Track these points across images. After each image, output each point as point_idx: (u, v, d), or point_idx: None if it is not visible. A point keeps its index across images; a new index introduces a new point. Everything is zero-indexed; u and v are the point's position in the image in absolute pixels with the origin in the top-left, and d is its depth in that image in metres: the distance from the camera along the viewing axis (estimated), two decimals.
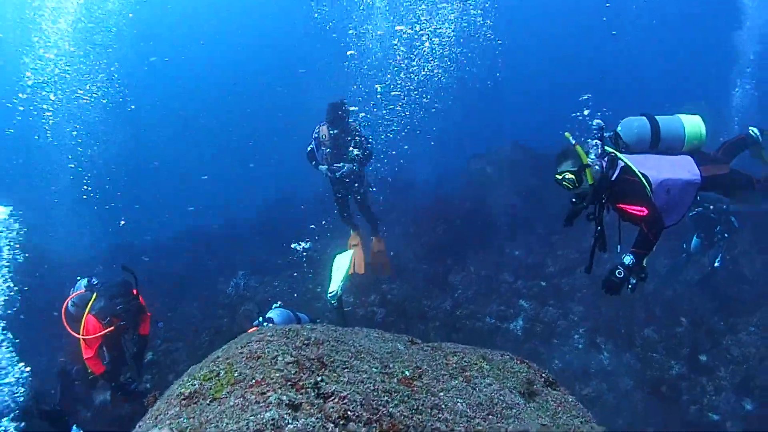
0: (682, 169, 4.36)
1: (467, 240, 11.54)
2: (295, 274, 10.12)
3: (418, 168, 14.92)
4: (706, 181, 4.37)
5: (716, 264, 8.23)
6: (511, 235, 11.59)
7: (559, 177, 4.39)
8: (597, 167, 4.30)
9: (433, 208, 12.58)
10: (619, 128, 4.64)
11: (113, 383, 5.76)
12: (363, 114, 8.43)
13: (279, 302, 6.42)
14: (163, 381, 8.08)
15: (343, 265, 5.86)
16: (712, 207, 8.01)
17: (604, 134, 4.50)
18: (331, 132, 7.72)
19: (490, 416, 2.43)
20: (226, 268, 12.29)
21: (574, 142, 4.32)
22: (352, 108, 8.14)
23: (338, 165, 7.92)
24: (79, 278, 6.02)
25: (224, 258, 13.01)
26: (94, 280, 5.74)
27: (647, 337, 8.20)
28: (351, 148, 7.91)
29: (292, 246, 9.15)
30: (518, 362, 2.95)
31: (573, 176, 4.30)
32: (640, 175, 4.23)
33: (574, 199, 4.47)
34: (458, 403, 2.45)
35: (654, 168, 4.31)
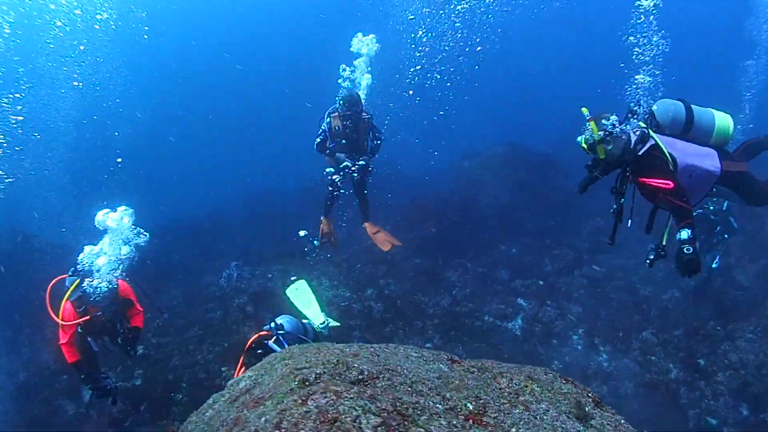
0: (707, 158, 4.48)
1: (460, 236, 11.51)
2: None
3: (408, 164, 14.83)
4: (725, 175, 4.50)
5: (714, 265, 8.31)
6: (504, 233, 11.59)
7: (579, 140, 4.52)
8: (624, 137, 4.41)
9: (424, 204, 12.49)
10: (654, 107, 4.72)
11: (82, 375, 5.47)
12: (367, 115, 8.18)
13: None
14: (155, 377, 7.85)
15: (303, 295, 5.97)
16: (712, 208, 8.15)
17: (639, 110, 4.62)
18: (346, 124, 7.52)
19: None
20: (214, 258, 11.98)
21: (588, 117, 4.42)
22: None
23: (358, 159, 7.71)
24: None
25: (211, 247, 12.69)
26: (80, 266, 5.52)
27: (646, 340, 8.28)
28: (370, 140, 7.80)
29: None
30: (563, 381, 2.93)
31: (585, 146, 4.44)
32: (669, 155, 4.33)
33: (588, 163, 4.63)
34: None
35: (681, 151, 4.43)
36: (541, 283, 10.01)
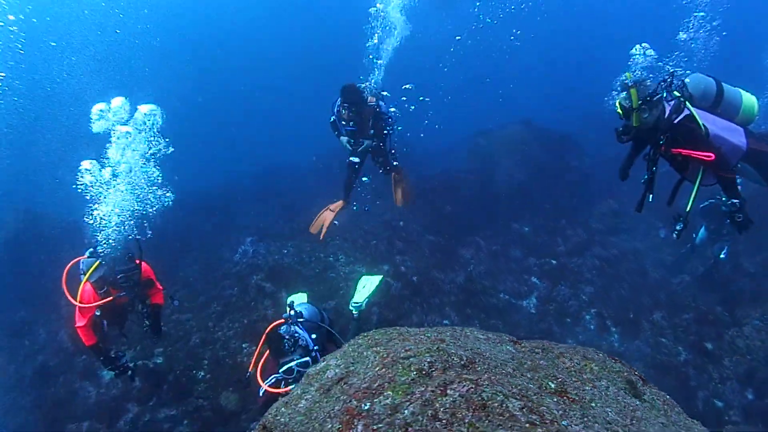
0: (735, 133, 4.58)
1: (473, 214, 11.63)
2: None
3: (422, 141, 14.75)
4: (750, 152, 4.61)
5: (722, 256, 8.49)
6: (518, 212, 11.72)
7: (617, 104, 4.59)
8: (660, 107, 4.48)
9: (438, 181, 12.54)
10: (687, 80, 4.79)
11: (101, 356, 5.47)
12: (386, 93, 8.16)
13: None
14: (176, 354, 8.00)
15: (371, 284, 6.04)
16: (724, 199, 8.25)
17: (674, 81, 4.66)
18: (349, 113, 7.62)
19: (633, 421, 2.55)
20: (228, 233, 12.05)
21: (631, 84, 4.44)
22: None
23: (360, 142, 7.86)
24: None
25: (225, 222, 12.74)
26: (99, 247, 5.48)
27: (656, 323, 8.53)
28: (369, 127, 7.83)
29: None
30: (613, 361, 3.10)
31: (621, 112, 4.51)
32: (702, 124, 4.40)
33: (620, 128, 4.67)
34: (609, 413, 2.56)
35: (712, 123, 4.51)
36: (554, 262, 10.21)
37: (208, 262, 10.72)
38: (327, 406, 2.23)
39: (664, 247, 10.12)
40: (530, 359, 2.89)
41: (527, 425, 1.77)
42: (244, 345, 8.00)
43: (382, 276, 6.32)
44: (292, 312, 4.92)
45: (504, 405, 1.87)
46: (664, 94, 4.54)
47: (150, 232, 5.92)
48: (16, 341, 8.71)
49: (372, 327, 8.25)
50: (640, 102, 4.36)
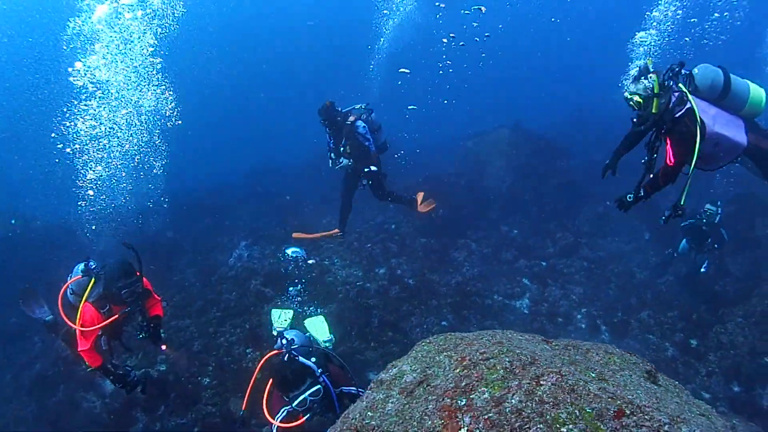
0: (735, 129, 4.66)
1: (464, 217, 11.89)
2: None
3: (412, 145, 14.95)
4: (750, 147, 4.72)
5: (702, 269, 8.84)
6: (508, 215, 12.05)
7: (629, 96, 4.65)
8: (663, 100, 4.58)
9: (430, 184, 12.73)
10: (695, 71, 4.79)
11: (110, 376, 5.14)
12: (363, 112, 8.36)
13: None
14: (179, 361, 7.96)
15: (319, 323, 5.76)
16: (705, 221, 8.64)
17: (682, 70, 4.73)
18: (327, 131, 8.20)
19: (660, 403, 2.92)
20: (221, 235, 12.02)
21: (653, 70, 4.55)
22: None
23: (340, 161, 8.27)
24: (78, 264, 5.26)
25: (217, 224, 12.68)
26: (91, 263, 5.09)
27: (643, 321, 8.94)
28: (342, 147, 8.18)
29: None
30: (631, 355, 3.49)
31: (641, 101, 4.59)
32: (700, 121, 4.45)
33: (635, 119, 4.77)
34: (641, 397, 2.93)
35: (713, 119, 4.58)
36: (544, 264, 10.55)
37: (203, 265, 10.68)
38: (417, 406, 2.46)
39: (649, 248, 10.57)
40: (566, 355, 3.26)
41: (609, 399, 2.25)
42: (247, 350, 8.04)
43: (323, 315, 5.94)
44: (284, 341, 4.68)
45: (587, 388, 2.33)
46: (671, 83, 4.63)
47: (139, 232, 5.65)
48: (10, 348, 8.51)
49: (371, 331, 8.44)
50: (659, 89, 4.47)
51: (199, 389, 7.41)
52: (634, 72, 4.66)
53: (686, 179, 4.60)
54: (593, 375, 2.86)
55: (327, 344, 5.47)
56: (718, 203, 8.62)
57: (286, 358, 4.43)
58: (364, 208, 11.78)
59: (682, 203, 4.63)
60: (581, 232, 11.21)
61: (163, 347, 5.50)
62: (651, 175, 4.79)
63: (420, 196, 9.41)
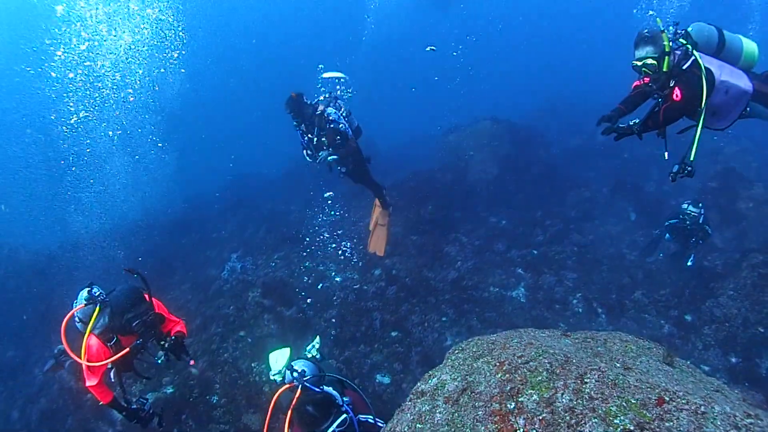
0: (740, 77, 4.74)
1: (452, 211, 11.99)
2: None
3: (394, 141, 14.98)
4: (756, 93, 4.79)
5: (689, 263, 9.10)
6: (494, 206, 12.18)
7: (639, 63, 4.63)
8: (672, 58, 4.62)
9: (415, 181, 12.81)
10: (690, 28, 4.88)
11: (123, 411, 4.75)
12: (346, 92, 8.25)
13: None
14: (186, 382, 7.84)
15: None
16: (689, 222, 8.91)
17: (678, 30, 4.78)
18: (296, 123, 7.87)
19: (677, 384, 3.10)
20: (210, 249, 11.86)
21: (662, 28, 4.56)
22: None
23: (319, 154, 8.03)
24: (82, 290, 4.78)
25: (204, 237, 12.50)
26: (95, 290, 4.59)
27: (637, 300, 9.15)
28: (317, 137, 7.93)
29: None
30: (643, 340, 3.65)
31: (655, 62, 4.57)
32: (706, 70, 4.52)
33: (649, 84, 4.73)
34: (662, 379, 3.09)
35: (718, 68, 4.65)
36: (535, 252, 10.70)
37: (197, 281, 10.53)
38: (466, 413, 2.52)
39: (636, 229, 10.82)
40: (589, 347, 3.37)
41: (648, 389, 2.42)
42: (253, 364, 7.97)
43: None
44: (295, 374, 4.29)
45: (626, 380, 2.49)
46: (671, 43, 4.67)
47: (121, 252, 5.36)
48: (12, 383, 8.25)
49: (374, 333, 8.45)
50: (671, 45, 4.49)
51: (210, 408, 7.32)
52: (645, 33, 4.60)
53: (694, 133, 4.58)
54: (618, 365, 2.98)
55: (313, 351, 5.08)
56: (700, 205, 8.87)
57: (301, 391, 4.09)
58: (350, 210, 11.76)
59: (691, 159, 4.59)
60: (569, 218, 11.40)
61: (192, 363, 5.03)
62: (659, 111, 4.65)
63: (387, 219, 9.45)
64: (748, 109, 4.90)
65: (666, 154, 4.94)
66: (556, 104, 16.97)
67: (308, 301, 9.50)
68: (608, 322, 9.03)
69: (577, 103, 16.64)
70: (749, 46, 4.95)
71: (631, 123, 4.83)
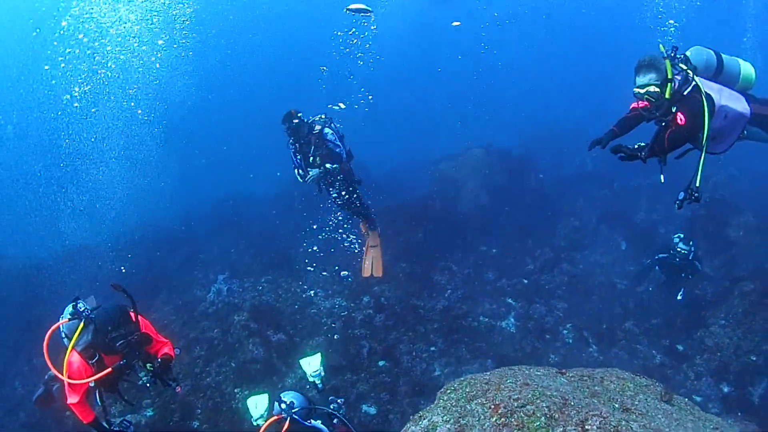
0: (738, 101, 4.74)
1: (442, 239, 11.92)
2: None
3: (385, 169, 15.04)
4: (753, 116, 4.81)
5: (678, 297, 9.01)
6: (484, 235, 12.15)
7: (641, 91, 4.57)
8: (674, 84, 4.58)
9: (406, 208, 12.78)
10: (688, 53, 4.89)
11: None
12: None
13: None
14: (167, 405, 7.57)
15: (315, 362, 5.34)
16: (678, 260, 8.91)
17: (677, 54, 4.75)
18: (291, 142, 7.96)
19: (678, 426, 3.00)
20: (196, 269, 11.65)
21: (666, 54, 4.53)
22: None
23: (309, 171, 8.11)
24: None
25: (190, 258, 12.30)
26: (80, 305, 4.49)
27: (629, 330, 9.07)
28: (311, 156, 8.04)
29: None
30: (640, 377, 3.63)
31: (658, 90, 4.51)
32: (705, 97, 4.48)
33: (650, 110, 4.69)
34: (662, 422, 3.00)
35: (718, 93, 4.63)
36: (525, 281, 10.63)
37: (181, 302, 10.30)
38: None
39: (627, 258, 10.82)
40: (586, 386, 3.35)
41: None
42: (236, 390, 7.73)
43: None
44: (284, 405, 4.28)
45: (630, 427, 2.43)
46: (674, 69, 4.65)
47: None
48: None
49: (361, 362, 8.25)
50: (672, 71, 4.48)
51: None
52: (646, 60, 4.57)
53: (698, 160, 4.53)
54: (617, 406, 2.97)
55: (315, 378, 5.15)
56: (691, 243, 8.86)
57: (289, 424, 4.06)
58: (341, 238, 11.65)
59: (697, 185, 4.52)
60: (559, 247, 11.39)
61: (178, 389, 4.87)
62: (665, 135, 4.56)
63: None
64: (745, 132, 4.95)
65: (662, 177, 4.88)
66: (549, 132, 17.21)
67: (297, 327, 9.32)
68: (599, 353, 8.92)
69: (570, 129, 16.89)
70: (746, 68, 5.04)
71: (636, 146, 4.69)
